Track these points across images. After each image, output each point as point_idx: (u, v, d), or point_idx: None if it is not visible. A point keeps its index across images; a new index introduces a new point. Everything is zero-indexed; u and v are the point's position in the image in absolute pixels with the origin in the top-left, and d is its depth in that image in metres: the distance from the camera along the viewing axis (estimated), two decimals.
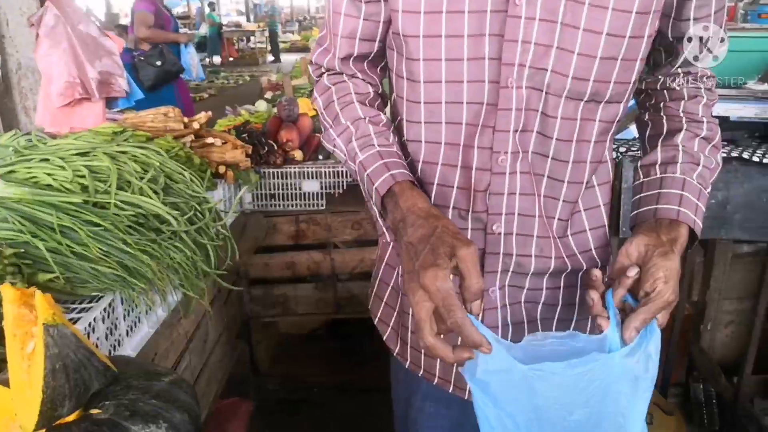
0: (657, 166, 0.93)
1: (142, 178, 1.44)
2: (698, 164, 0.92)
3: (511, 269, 0.96)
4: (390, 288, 1.11)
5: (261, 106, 3.76)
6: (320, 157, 2.51)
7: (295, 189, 2.35)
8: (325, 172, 2.36)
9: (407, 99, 0.93)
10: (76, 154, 1.47)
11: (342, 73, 1.00)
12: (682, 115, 0.97)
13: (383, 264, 1.13)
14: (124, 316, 1.28)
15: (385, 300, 1.13)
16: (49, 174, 1.40)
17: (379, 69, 1.01)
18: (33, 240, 1.20)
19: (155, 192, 1.44)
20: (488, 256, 0.96)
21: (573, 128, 0.88)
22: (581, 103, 0.86)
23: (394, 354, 1.13)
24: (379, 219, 0.94)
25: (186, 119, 2.04)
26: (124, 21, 14.58)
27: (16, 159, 1.43)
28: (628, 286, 0.81)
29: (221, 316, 1.95)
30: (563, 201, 0.93)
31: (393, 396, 1.23)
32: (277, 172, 2.32)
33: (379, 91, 1.01)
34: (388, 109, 1.03)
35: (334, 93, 0.98)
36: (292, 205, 2.36)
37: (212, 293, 1.81)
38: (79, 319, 1.12)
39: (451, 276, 0.74)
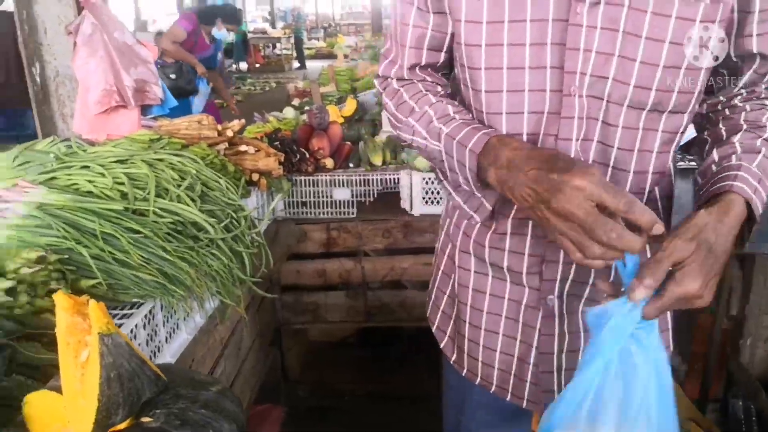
0: (713, 165, 0.88)
1: (179, 186, 1.45)
2: (758, 153, 0.85)
3: (570, 278, 0.95)
4: (446, 296, 1.11)
5: (289, 113, 3.78)
6: (351, 165, 2.51)
7: (326, 197, 2.35)
8: (355, 180, 2.37)
9: (474, 108, 0.93)
10: (115, 162, 1.49)
11: (411, 79, 1.00)
12: (743, 123, 0.92)
13: (440, 272, 1.12)
14: (164, 323, 1.29)
15: (442, 308, 1.13)
16: (89, 181, 1.41)
17: (443, 76, 1.01)
18: (77, 246, 1.21)
19: (192, 199, 1.45)
20: (547, 264, 0.94)
21: (635, 138, 0.87)
22: (643, 113, 0.85)
23: (451, 362, 1.12)
24: (474, 186, 0.90)
25: (220, 127, 2.06)
26: (152, 29, 14.80)
27: (57, 166, 1.45)
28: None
29: (254, 323, 1.96)
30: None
31: (444, 403, 1.23)
32: (309, 179, 2.33)
33: (448, 92, 1.01)
34: None
35: (404, 93, 0.98)
36: (323, 213, 2.37)
37: (246, 300, 1.81)
38: (121, 325, 1.13)
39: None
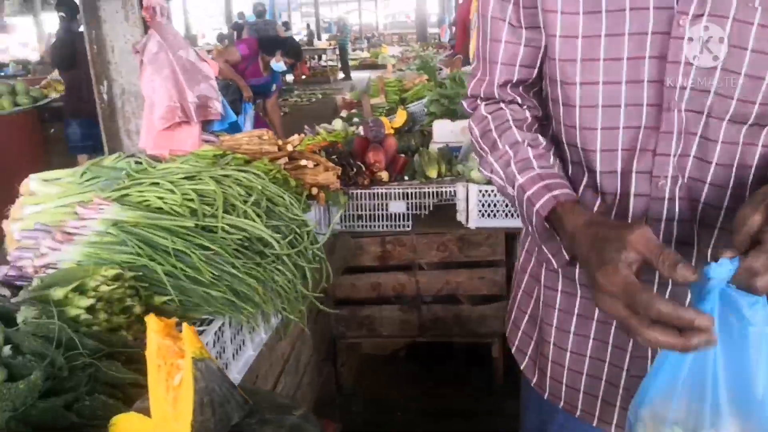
0: None
1: (245, 202, 1.47)
2: None
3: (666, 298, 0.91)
4: (527, 316, 1.08)
5: (337, 124, 3.82)
6: (406, 177, 2.51)
7: (382, 210, 2.35)
8: (411, 192, 2.36)
9: (565, 124, 0.92)
10: (184, 178, 1.52)
11: (499, 101, 0.99)
12: None
13: (520, 291, 1.10)
14: (231, 340, 1.30)
15: (522, 329, 1.10)
16: (159, 197, 1.44)
17: (534, 94, 1.00)
18: (150, 264, 1.23)
19: (258, 215, 1.46)
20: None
21: (734, 153, 0.84)
22: (744, 127, 0.82)
23: (532, 384, 1.09)
24: (541, 242, 0.91)
25: (280, 141, 2.08)
26: (201, 42, 15.12)
27: (130, 182, 1.49)
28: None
29: (311, 337, 1.96)
30: (719, 228, 0.88)
31: (523, 425, 1.20)
32: (365, 193, 2.33)
33: (539, 115, 0.99)
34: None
35: (491, 121, 0.97)
36: (379, 226, 2.37)
37: (305, 315, 1.82)
38: None
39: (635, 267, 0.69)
